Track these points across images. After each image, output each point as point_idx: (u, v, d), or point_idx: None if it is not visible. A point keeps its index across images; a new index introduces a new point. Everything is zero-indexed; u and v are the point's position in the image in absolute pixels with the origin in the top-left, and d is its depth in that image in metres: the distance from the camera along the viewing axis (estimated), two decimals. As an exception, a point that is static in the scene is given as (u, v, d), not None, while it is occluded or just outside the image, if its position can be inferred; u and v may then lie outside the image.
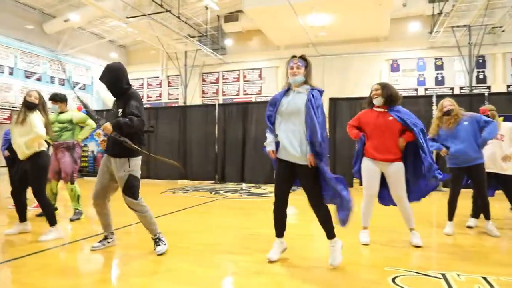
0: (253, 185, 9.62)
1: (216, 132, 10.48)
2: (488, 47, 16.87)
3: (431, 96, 9.16)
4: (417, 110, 8.62)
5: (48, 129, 4.00)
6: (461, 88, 18.18)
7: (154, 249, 3.39)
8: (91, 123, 5.14)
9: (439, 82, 18.60)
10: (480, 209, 4.49)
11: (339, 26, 17.29)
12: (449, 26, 16.01)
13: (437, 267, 3.15)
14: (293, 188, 3.19)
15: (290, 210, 3.29)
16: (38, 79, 16.53)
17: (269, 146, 3.23)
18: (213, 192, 8.20)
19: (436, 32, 16.90)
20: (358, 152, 3.95)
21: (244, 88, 20.78)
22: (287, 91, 3.28)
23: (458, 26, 15.87)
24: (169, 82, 21.77)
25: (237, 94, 20.82)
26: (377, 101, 3.80)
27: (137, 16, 15.10)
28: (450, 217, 4.35)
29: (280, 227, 3.29)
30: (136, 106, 3.30)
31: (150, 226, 3.45)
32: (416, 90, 18.91)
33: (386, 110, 3.77)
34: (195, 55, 18.98)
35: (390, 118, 3.71)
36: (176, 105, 19.95)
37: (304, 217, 5.17)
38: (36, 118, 3.93)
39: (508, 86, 17.65)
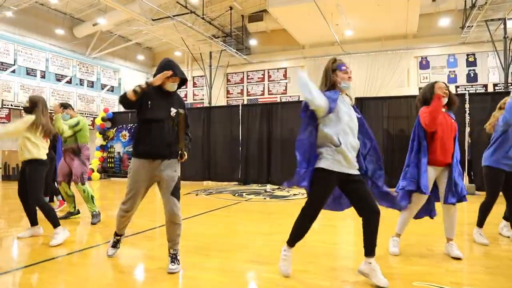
0: (277, 187, 9.50)
1: (240, 133, 10.42)
2: (526, 42, 16.07)
3: (464, 95, 8.76)
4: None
5: (39, 128, 3.99)
6: (495, 85, 17.40)
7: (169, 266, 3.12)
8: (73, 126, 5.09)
9: (471, 79, 17.87)
10: None
11: (365, 24, 16.90)
12: (482, 20, 15.34)
13: (471, 282, 2.94)
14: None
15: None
16: (69, 82, 17.00)
17: None
18: (236, 195, 8.14)
19: (468, 27, 16.24)
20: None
21: (269, 88, 20.67)
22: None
23: (492, 20, 15.17)
24: (194, 83, 21.93)
25: (262, 94, 20.73)
26: (444, 100, 3.50)
27: (162, 18, 15.26)
28: (481, 223, 4.09)
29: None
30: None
31: (176, 236, 3.18)
32: (447, 87, 18.24)
33: (446, 110, 3.56)
34: (220, 56, 19.02)
35: (454, 120, 3.53)
36: (201, 105, 20.11)
37: (327, 223, 5.03)
38: (21, 118, 4.03)
39: (547, 83, 16.75)
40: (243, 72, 21.02)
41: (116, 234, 3.47)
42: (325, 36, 18.09)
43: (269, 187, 9.47)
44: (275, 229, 4.75)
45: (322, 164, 2.77)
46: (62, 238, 3.93)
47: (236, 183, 10.26)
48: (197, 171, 10.55)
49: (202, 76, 20.22)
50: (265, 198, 7.61)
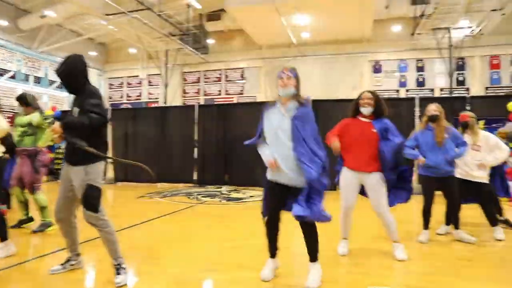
0: (233, 188, 9.41)
1: (196, 134, 10.23)
2: (468, 50, 17.08)
3: (413, 99, 9.10)
4: (398, 112, 8.60)
5: None
6: (441, 89, 18.36)
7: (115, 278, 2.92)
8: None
9: (420, 83, 18.74)
10: (452, 218, 4.42)
11: (322, 27, 17.22)
12: (430, 29, 16.13)
13: (423, 284, 3.01)
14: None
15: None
16: (12, 77, 15.93)
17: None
18: (191, 197, 7.96)
19: (418, 34, 17.01)
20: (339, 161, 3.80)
21: (226, 88, 20.55)
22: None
23: (439, 29, 15.99)
24: (149, 81, 21.36)
25: (219, 94, 20.58)
26: (367, 110, 3.64)
27: (117, 14, 14.70)
28: (425, 225, 4.34)
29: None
30: (94, 103, 2.89)
31: (110, 246, 2.97)
32: (398, 91, 19.02)
33: (371, 121, 3.62)
34: (177, 54, 18.63)
35: (374, 130, 3.56)
36: (156, 105, 19.61)
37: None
38: None
39: (487, 88, 17.91)
40: (200, 72, 20.76)
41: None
42: (282, 37, 18.24)
43: (225, 188, 9.35)
44: (229, 234, 4.66)
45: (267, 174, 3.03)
46: (4, 255, 3.55)
47: (192, 185, 10.05)
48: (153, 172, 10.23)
49: (157, 74, 19.72)
50: (220, 201, 7.49)
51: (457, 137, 4.25)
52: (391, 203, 3.66)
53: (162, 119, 10.65)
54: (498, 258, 3.78)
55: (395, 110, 8.27)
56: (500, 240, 4.37)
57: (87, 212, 2.91)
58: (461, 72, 17.88)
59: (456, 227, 4.34)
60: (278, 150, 2.88)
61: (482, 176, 4.49)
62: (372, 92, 3.71)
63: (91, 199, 2.90)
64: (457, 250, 4.01)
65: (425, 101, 9.00)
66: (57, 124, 2.81)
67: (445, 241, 4.35)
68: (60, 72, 2.98)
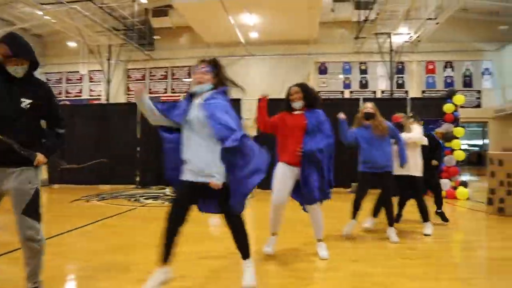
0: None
1: (140, 133, 9.81)
2: (407, 55, 17.98)
3: (358, 99, 9.35)
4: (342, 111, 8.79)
5: None
6: (382, 92, 19.19)
7: None
8: None
9: (363, 85, 19.46)
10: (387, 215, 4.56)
11: (269, 27, 17.30)
12: (373, 33, 16.78)
13: (368, 285, 3.01)
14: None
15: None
16: None
17: None
18: (133, 199, 7.59)
19: (361, 37, 17.64)
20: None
21: (172, 86, 20.04)
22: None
23: (381, 33, 16.67)
24: (90, 77, 20.26)
25: (165, 92, 20.02)
26: (297, 104, 3.61)
27: (54, 4, 13.74)
28: (353, 215, 4.52)
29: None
30: (60, 114, 2.63)
31: (37, 268, 2.52)
32: (342, 92, 19.61)
33: (303, 112, 3.61)
34: (120, 50, 17.81)
35: (305, 122, 3.55)
36: (98, 102, 18.65)
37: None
38: None
39: (423, 92, 18.99)
40: (145, 69, 20.06)
41: None
42: (231, 36, 18.09)
43: (168, 190, 9.04)
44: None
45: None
46: None
47: (134, 186, 9.62)
48: (90, 174, 9.66)
49: (99, 70, 18.75)
50: (164, 203, 7.20)
51: (394, 131, 4.45)
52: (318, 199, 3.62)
53: (104, 117, 10.09)
54: (433, 254, 3.91)
55: (339, 110, 8.49)
56: (427, 235, 4.58)
57: (32, 223, 2.43)
58: (401, 75, 18.80)
59: (390, 224, 4.45)
60: (191, 146, 2.62)
61: (414, 170, 4.70)
62: (299, 85, 3.71)
63: (38, 206, 2.49)
64: (399, 247, 4.10)
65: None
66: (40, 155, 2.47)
67: (386, 239, 4.45)
68: (15, 47, 2.39)
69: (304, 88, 3.67)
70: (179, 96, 19.67)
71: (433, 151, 5.43)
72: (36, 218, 2.47)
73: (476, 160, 20.23)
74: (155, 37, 19.42)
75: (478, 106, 18.28)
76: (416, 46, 18.07)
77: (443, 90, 18.71)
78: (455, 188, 8.05)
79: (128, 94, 19.86)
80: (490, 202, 6.24)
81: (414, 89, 18.75)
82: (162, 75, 19.98)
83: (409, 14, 14.65)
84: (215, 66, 2.80)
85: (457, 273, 3.36)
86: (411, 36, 16.79)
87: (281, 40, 18.91)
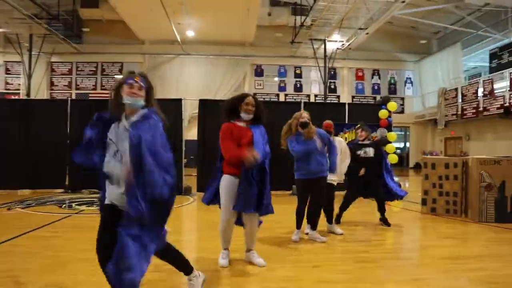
0: (113, 194, 8.53)
1: (68, 133, 9.01)
2: (339, 61, 18.84)
3: (299, 103, 9.51)
4: (280, 115, 8.86)
5: None
6: (315, 95, 19.89)
7: None
8: None
9: (298, 89, 20.02)
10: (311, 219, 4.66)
11: (207, 26, 17.05)
12: (308, 39, 17.30)
13: None
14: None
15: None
16: None
17: None
18: (64, 206, 6.92)
19: (297, 42, 18.11)
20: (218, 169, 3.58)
21: (102, 83, 18.87)
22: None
23: (316, 39, 17.26)
24: (7, 69, 18.33)
25: (94, 89, 18.80)
26: (248, 117, 3.48)
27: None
28: (298, 226, 4.59)
29: None
30: None
31: None
32: (278, 95, 19.99)
33: (248, 126, 3.48)
34: (43, 41, 16.31)
35: (250, 134, 3.42)
36: (17, 97, 16.93)
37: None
38: None
39: (353, 97, 20.04)
40: (71, 63, 18.68)
41: None
42: (166, 33, 17.53)
43: (104, 194, 8.42)
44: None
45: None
46: None
47: (63, 190, 8.81)
48: (10, 177, 8.67)
49: (18, 62, 17.01)
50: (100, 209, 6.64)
51: (327, 139, 4.54)
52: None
53: (26, 114, 9.10)
54: (386, 257, 4.03)
55: (276, 114, 8.56)
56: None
57: None
58: (333, 80, 19.64)
59: (314, 228, 4.60)
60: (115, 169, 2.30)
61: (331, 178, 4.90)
62: (255, 98, 3.61)
63: None
64: (360, 251, 4.17)
65: (306, 106, 9.53)
66: None
67: (341, 243, 4.51)
68: None
69: (257, 102, 3.55)
70: (109, 93, 18.56)
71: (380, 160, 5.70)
72: None
73: (398, 162, 21.80)
74: (84, 29, 18.11)
75: (402, 112, 19.73)
76: (347, 54, 19.01)
77: (371, 96, 19.98)
78: (389, 189, 8.51)
79: (52, 89, 18.29)
80: (424, 202, 6.68)
81: (345, 94, 19.71)
82: (91, 70, 18.73)
83: (343, 23, 15.31)
84: (148, 82, 2.45)
85: (413, 274, 3.48)
86: (343, 44, 17.61)
87: (217, 40, 18.75)
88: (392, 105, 9.27)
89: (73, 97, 17.95)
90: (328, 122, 5.26)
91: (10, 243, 4.35)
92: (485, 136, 16.37)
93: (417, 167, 19.50)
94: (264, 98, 18.87)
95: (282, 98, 19.67)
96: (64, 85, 18.55)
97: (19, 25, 15.40)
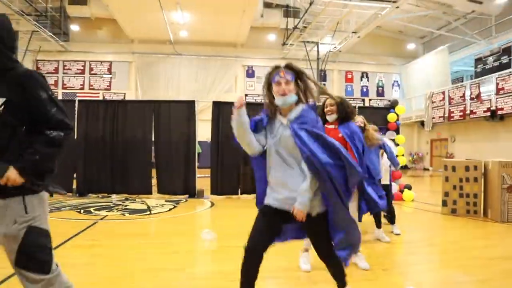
0: (123, 197, 8.32)
1: (76, 134, 8.71)
2: (329, 64, 19.09)
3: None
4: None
5: None
6: (306, 98, 20.06)
7: None
8: None
9: (289, 91, 20.14)
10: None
11: (201, 26, 16.89)
12: (301, 41, 17.44)
13: None
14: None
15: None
16: None
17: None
18: (82, 211, 6.68)
19: (289, 44, 18.21)
20: None
21: (90, 82, 18.32)
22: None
23: (308, 42, 17.42)
24: (-12, 67, 17.48)
25: (82, 88, 18.22)
26: (331, 117, 3.52)
27: None
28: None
29: None
30: (51, 99, 1.88)
31: None
32: (269, 97, 20.03)
33: (336, 126, 3.52)
34: (30, 38, 15.67)
35: (340, 135, 3.47)
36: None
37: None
38: None
39: (342, 99, 20.35)
40: (58, 61, 18.04)
41: None
42: (159, 33, 17.25)
43: (115, 198, 8.20)
44: (170, 261, 3.95)
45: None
46: None
47: (70, 195, 8.50)
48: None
49: (1, 59, 16.23)
50: (123, 214, 6.47)
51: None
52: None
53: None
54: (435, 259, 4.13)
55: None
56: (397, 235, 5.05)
57: (31, 276, 1.79)
58: (324, 82, 19.85)
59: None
60: (279, 171, 2.32)
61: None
62: (336, 98, 3.62)
63: (39, 252, 1.83)
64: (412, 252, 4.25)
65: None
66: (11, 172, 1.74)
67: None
68: None
69: (339, 100, 3.55)
70: (97, 93, 18.08)
71: None
72: (37, 268, 1.81)
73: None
74: (72, 27, 17.54)
75: (389, 114, 20.19)
76: (337, 56, 19.30)
77: (359, 98, 20.36)
78: (401, 191, 8.71)
79: (37, 89, 17.60)
80: (444, 203, 6.88)
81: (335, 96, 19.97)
82: (78, 69, 18.15)
83: (338, 26, 15.54)
84: (294, 72, 2.36)
85: (478, 275, 3.57)
86: (335, 47, 17.86)
87: (209, 41, 18.60)
88: (400, 109, 9.48)
89: (60, 97, 17.32)
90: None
91: (55, 254, 4.15)
92: (470, 138, 17.02)
93: (405, 167, 20.02)
94: (255, 100, 18.89)
95: (273, 100, 19.72)
96: (51, 84, 17.78)
97: (5, 21, 14.71)
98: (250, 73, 19.96)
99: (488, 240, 5.07)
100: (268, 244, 2.30)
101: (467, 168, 6.73)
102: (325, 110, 3.54)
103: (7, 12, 13.88)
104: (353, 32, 16.52)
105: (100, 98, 17.09)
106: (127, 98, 17.46)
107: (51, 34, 15.82)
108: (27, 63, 16.64)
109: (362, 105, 18.43)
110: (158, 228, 5.73)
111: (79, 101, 8.91)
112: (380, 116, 9.45)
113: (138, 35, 18.21)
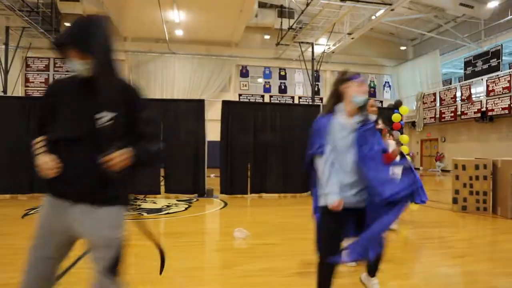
0: (132, 197, 8.19)
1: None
2: (323, 65, 19.24)
3: (318, 106, 9.64)
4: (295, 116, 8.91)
5: None
6: (299, 97, 20.21)
7: None
8: None
9: (283, 90, 20.24)
10: None
11: (196, 25, 16.80)
12: (295, 42, 17.56)
13: None
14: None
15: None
16: None
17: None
18: (98, 210, 6.55)
19: (283, 44, 18.30)
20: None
21: (82, 80, 17.95)
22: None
23: (303, 42, 17.54)
24: (-25, 64, 16.93)
25: (73, 86, 17.83)
26: (373, 118, 3.60)
27: None
28: None
29: None
30: (152, 121, 1.86)
31: None
32: (263, 96, 20.08)
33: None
34: (21, 34, 15.24)
35: None
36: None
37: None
38: None
39: (334, 99, 20.58)
40: (49, 58, 17.61)
41: None
42: (152, 31, 17.09)
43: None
44: (212, 257, 3.96)
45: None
46: None
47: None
48: (12, 180, 8.08)
49: (-13, 56, 15.76)
50: (142, 214, 6.40)
51: None
52: None
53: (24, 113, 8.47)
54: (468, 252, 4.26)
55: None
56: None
57: (106, 282, 1.74)
58: (317, 83, 20.04)
59: None
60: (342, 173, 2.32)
61: None
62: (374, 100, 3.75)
63: (119, 262, 1.79)
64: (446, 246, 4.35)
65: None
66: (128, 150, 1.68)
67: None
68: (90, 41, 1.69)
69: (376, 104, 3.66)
70: (89, 91, 17.73)
71: None
72: (114, 276, 1.77)
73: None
74: (66, 23, 17.13)
75: (380, 114, 20.53)
76: (330, 57, 19.50)
77: (351, 99, 20.62)
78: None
79: (27, 86, 17.17)
80: (455, 201, 7.07)
81: (327, 97, 20.17)
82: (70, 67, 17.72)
83: (334, 27, 15.72)
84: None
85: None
86: (329, 48, 18.05)
87: (203, 40, 18.54)
88: (404, 109, 9.66)
89: (50, 94, 16.96)
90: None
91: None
92: (460, 138, 17.50)
93: (395, 167, 20.38)
94: (249, 99, 18.92)
95: (267, 99, 19.80)
96: (41, 82, 17.46)
97: (-5, 17, 14.31)
98: (244, 73, 19.97)
99: (504, 234, 5.25)
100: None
101: (476, 167, 6.93)
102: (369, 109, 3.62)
103: (-2, 7, 13.51)
104: (348, 34, 16.72)
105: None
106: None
107: (42, 30, 15.42)
108: (16, 60, 16.17)
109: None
110: (185, 227, 5.67)
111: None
112: (383, 116, 9.62)
113: (131, 34, 17.98)
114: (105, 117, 1.67)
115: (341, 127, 2.34)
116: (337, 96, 2.40)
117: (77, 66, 1.71)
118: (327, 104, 2.44)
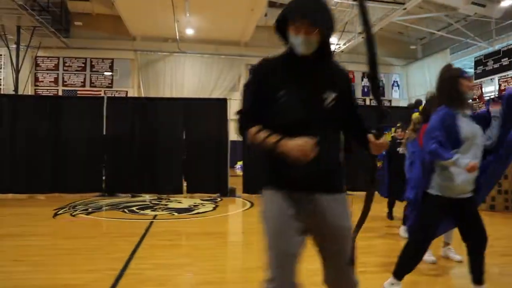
0: (155, 197, 8.18)
1: (105, 132, 8.52)
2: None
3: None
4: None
5: None
6: (308, 97, 20.18)
7: None
8: None
9: (291, 90, 20.22)
10: None
11: (207, 25, 16.72)
12: (306, 41, 17.50)
13: None
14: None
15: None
16: None
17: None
18: (127, 211, 6.52)
19: (293, 44, 18.26)
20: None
21: (91, 80, 17.89)
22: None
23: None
24: (-15, 63, 16.87)
25: (83, 86, 17.77)
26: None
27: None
28: None
29: None
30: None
31: None
32: (271, 96, 20.04)
33: None
34: (32, 33, 15.13)
35: None
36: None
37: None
38: None
39: (343, 99, 20.56)
40: (58, 58, 17.51)
41: None
42: (162, 30, 17.01)
43: (148, 197, 8.05)
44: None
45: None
46: None
47: (99, 194, 8.28)
48: (31, 180, 8.04)
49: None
50: (172, 213, 6.35)
51: None
52: None
53: (56, 112, 8.46)
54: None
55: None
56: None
57: (352, 279, 1.70)
58: (326, 82, 20.04)
59: None
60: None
61: None
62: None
63: (354, 252, 1.70)
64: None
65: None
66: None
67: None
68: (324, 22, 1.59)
69: None
70: (99, 90, 17.66)
71: None
72: (354, 269, 1.71)
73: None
74: (76, 23, 17.07)
75: (389, 113, 20.53)
76: (340, 56, 19.43)
77: (361, 98, 20.60)
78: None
79: (37, 85, 17.08)
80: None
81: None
82: (79, 66, 17.66)
83: (344, 27, 15.69)
84: None
85: None
86: (340, 47, 18.01)
87: (213, 39, 18.44)
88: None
89: (60, 93, 16.89)
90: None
91: (147, 255, 3.98)
92: (471, 137, 17.46)
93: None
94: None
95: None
96: (50, 81, 17.34)
97: (6, 15, 14.20)
98: (253, 72, 19.91)
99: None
100: None
101: (506, 166, 6.91)
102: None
103: (10, 6, 13.42)
104: (359, 33, 16.68)
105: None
106: (129, 95, 17.18)
107: (53, 30, 15.33)
108: (26, 59, 16.08)
109: (363, 104, 18.65)
110: (224, 226, 5.64)
111: (107, 98, 8.70)
112: (401, 115, 9.59)
113: (141, 33, 17.88)
114: (330, 97, 1.60)
115: (466, 120, 2.63)
116: (450, 92, 2.66)
117: (302, 42, 1.61)
118: (441, 100, 2.77)
